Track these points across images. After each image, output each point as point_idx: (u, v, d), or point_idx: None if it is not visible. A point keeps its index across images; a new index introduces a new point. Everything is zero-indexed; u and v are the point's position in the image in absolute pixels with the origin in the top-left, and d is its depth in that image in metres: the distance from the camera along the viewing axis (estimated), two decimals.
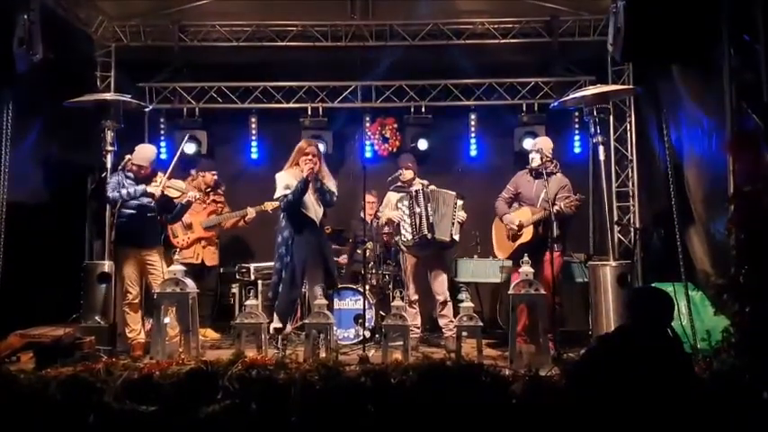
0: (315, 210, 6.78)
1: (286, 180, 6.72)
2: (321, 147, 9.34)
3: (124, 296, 6.92)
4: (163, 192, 6.91)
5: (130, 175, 6.96)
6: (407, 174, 7.49)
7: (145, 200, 6.88)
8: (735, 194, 5.58)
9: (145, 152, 7.10)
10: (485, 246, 8.18)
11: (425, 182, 7.48)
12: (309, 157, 6.69)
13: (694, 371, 4.65)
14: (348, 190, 9.05)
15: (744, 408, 4.63)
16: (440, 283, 7.33)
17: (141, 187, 6.84)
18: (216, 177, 8.56)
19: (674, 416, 3.98)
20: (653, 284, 6.37)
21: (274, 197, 6.81)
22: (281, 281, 6.71)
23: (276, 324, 6.74)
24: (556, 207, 6.76)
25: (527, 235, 7.02)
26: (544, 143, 7.27)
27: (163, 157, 8.89)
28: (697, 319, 6.18)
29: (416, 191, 7.31)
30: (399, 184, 7.55)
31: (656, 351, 4.13)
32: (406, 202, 7.31)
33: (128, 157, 7.01)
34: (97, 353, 6.18)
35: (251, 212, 8.23)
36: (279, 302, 6.73)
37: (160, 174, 7.04)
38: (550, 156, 7.15)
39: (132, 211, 6.84)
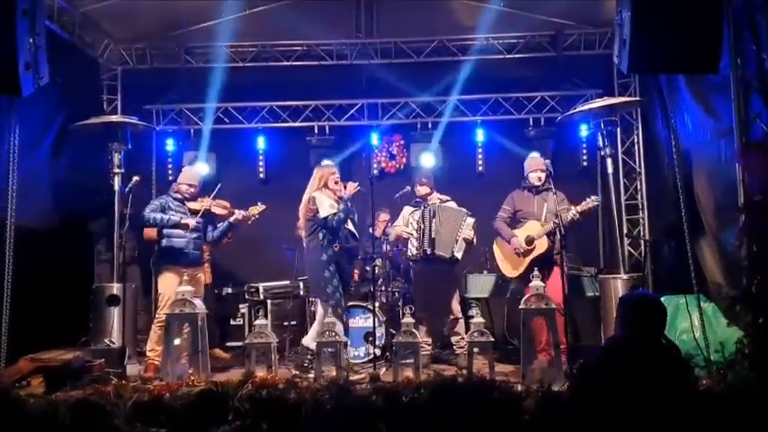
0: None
1: (328, 200, 6.95)
2: None
3: (156, 317, 6.96)
4: (209, 209, 7.15)
5: (178, 196, 7.13)
6: (422, 189, 7.58)
7: (192, 220, 7.02)
8: (745, 204, 5.55)
9: (192, 173, 7.35)
10: (494, 261, 8.13)
11: (443, 197, 7.52)
12: (337, 176, 7.15)
13: (693, 379, 4.52)
14: (356, 207, 9.07)
15: (759, 420, 4.58)
16: (450, 301, 7.32)
17: (176, 219, 6.99)
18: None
19: (676, 427, 3.87)
20: (653, 293, 6.31)
21: (321, 216, 6.89)
22: (342, 297, 6.89)
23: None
24: (571, 213, 6.74)
25: (541, 247, 6.96)
26: (545, 160, 7.27)
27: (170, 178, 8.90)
28: (710, 331, 6.11)
29: (425, 206, 7.35)
30: (417, 198, 7.64)
31: (652, 361, 3.97)
32: (417, 216, 7.39)
33: (135, 178, 7.00)
34: (107, 376, 6.14)
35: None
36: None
37: (206, 199, 7.27)
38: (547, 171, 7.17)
39: (179, 231, 6.95)
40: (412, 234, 7.41)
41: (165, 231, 6.98)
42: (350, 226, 7.07)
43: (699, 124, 7.10)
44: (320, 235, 6.94)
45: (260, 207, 7.81)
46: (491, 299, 8.44)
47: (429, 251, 7.28)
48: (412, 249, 7.43)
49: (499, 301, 8.42)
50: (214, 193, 7.32)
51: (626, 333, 4.15)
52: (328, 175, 7.14)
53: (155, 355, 6.89)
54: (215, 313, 8.49)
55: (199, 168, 7.43)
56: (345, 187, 7.02)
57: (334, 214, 6.85)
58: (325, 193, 7.01)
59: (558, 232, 6.75)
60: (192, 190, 7.20)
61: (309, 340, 6.87)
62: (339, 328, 6.43)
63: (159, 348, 6.88)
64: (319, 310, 6.98)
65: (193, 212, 7.13)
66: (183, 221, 7.00)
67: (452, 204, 7.53)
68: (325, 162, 7.74)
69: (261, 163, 9.90)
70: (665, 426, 3.81)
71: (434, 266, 7.38)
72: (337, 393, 5.03)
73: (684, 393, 3.95)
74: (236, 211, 7.41)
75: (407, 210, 7.61)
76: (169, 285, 6.90)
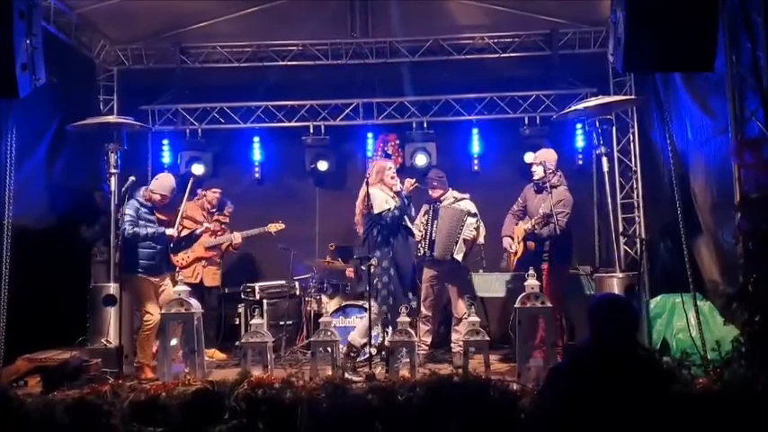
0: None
1: (383, 196, 6.88)
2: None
3: (143, 323, 6.90)
4: (179, 232, 7.18)
5: (148, 204, 7.03)
6: (434, 193, 7.64)
7: (173, 231, 7.06)
8: (741, 202, 5.55)
9: (166, 182, 7.21)
10: (490, 260, 8.15)
11: (459, 195, 7.56)
12: (394, 170, 7.07)
13: (670, 384, 4.31)
14: (352, 207, 9.09)
15: (757, 419, 4.59)
16: (456, 301, 7.33)
17: (161, 230, 6.96)
18: (219, 196, 8.49)
19: None
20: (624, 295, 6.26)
21: (375, 212, 6.83)
22: (390, 294, 6.76)
23: (365, 339, 6.80)
24: (529, 225, 6.94)
25: (518, 250, 7.13)
26: (547, 155, 7.29)
27: None
28: (706, 329, 6.13)
29: (430, 207, 7.39)
30: (431, 199, 7.69)
31: (620, 368, 3.64)
32: (426, 217, 7.47)
33: (131, 178, 7.00)
34: (104, 375, 6.13)
35: (236, 238, 8.29)
36: (392, 315, 6.73)
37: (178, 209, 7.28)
38: (553, 168, 7.16)
39: (150, 242, 6.92)
40: (421, 235, 7.44)
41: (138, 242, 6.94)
42: (407, 222, 6.98)
43: (696, 122, 7.11)
44: (374, 231, 6.90)
45: (279, 225, 7.95)
46: (486, 298, 8.44)
47: (429, 253, 7.31)
48: (420, 250, 7.46)
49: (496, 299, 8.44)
50: (187, 191, 7.31)
51: (592, 338, 3.82)
52: (385, 170, 7.05)
53: (149, 360, 6.85)
54: (216, 314, 8.53)
55: (170, 177, 7.35)
56: (403, 183, 6.95)
57: (389, 210, 6.78)
58: (381, 189, 6.95)
59: (537, 237, 6.98)
60: (165, 201, 7.13)
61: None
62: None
63: (151, 352, 6.90)
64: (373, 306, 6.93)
65: (161, 223, 7.10)
66: (168, 233, 6.99)
67: (465, 203, 7.52)
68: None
69: (256, 163, 9.90)
70: None
71: (440, 267, 7.41)
72: (333, 393, 5.03)
73: (661, 400, 3.68)
74: (205, 224, 7.58)
75: (423, 208, 7.67)
76: (145, 293, 6.89)
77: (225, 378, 5.33)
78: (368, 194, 6.86)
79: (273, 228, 8.15)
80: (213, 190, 8.45)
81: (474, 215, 7.36)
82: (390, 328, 6.85)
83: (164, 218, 7.17)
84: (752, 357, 5.07)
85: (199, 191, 8.15)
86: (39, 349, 6.69)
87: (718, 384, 4.96)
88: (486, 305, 8.57)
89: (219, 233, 8.43)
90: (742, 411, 4.63)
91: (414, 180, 6.98)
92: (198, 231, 7.42)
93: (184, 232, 7.56)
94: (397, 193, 6.90)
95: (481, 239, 7.47)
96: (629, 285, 6.73)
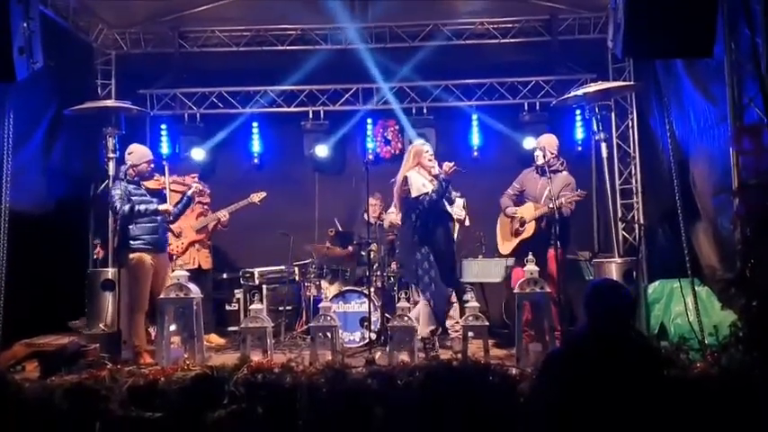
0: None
1: (421, 179, 6.82)
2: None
3: (142, 304, 6.77)
4: (168, 188, 7.01)
5: (135, 179, 6.90)
6: None
7: (169, 206, 6.89)
8: (739, 188, 5.55)
9: (142, 150, 7.08)
10: (489, 246, 8.16)
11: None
12: (431, 153, 6.99)
13: (663, 371, 4.31)
14: (351, 192, 9.09)
15: (754, 403, 4.61)
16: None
17: (154, 206, 6.79)
18: (196, 180, 8.32)
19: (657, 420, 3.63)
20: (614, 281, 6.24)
21: (412, 196, 6.78)
22: (432, 281, 6.72)
23: (432, 326, 6.78)
24: (556, 203, 6.77)
25: (529, 231, 7.06)
26: (548, 140, 7.28)
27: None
28: (704, 314, 6.14)
29: None
30: None
31: (626, 354, 3.65)
32: None
33: (129, 163, 6.95)
34: (102, 360, 6.12)
35: (223, 215, 8.20)
36: (436, 302, 6.73)
37: (161, 178, 7.10)
38: (555, 153, 7.17)
39: (150, 217, 6.81)
40: None
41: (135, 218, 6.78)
42: (447, 207, 6.91)
43: (697, 109, 7.09)
44: (413, 216, 6.84)
45: (261, 194, 7.94)
46: (486, 283, 8.45)
47: None
48: None
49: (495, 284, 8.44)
50: (166, 172, 7.13)
51: (590, 324, 3.80)
52: (422, 153, 6.99)
53: (144, 344, 6.82)
54: (212, 298, 8.51)
55: (143, 147, 7.23)
56: (442, 166, 6.87)
57: (426, 194, 6.73)
58: (419, 172, 6.90)
59: (548, 219, 6.82)
60: (150, 167, 7.00)
61: (422, 330, 6.67)
62: (414, 312, 6.34)
63: (143, 335, 6.84)
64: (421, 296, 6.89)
65: (152, 193, 6.97)
66: (161, 209, 6.81)
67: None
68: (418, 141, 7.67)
69: (255, 148, 9.90)
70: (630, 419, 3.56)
71: None
72: (333, 378, 5.05)
73: (658, 385, 3.70)
74: (194, 184, 7.44)
75: None
76: (145, 273, 6.78)
77: (224, 363, 5.34)
78: (405, 179, 6.84)
79: (256, 197, 8.09)
80: (192, 176, 8.36)
81: (461, 197, 7.35)
82: (434, 316, 6.81)
83: (153, 186, 7.05)
84: (749, 342, 5.08)
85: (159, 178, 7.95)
86: (36, 334, 6.69)
87: (715, 369, 4.99)
88: (485, 290, 8.58)
89: (205, 213, 8.43)
90: (739, 396, 4.66)
91: (452, 163, 6.83)
92: (189, 192, 7.29)
93: (176, 199, 7.37)
94: (436, 177, 6.82)
95: (467, 222, 7.46)
96: (627, 271, 6.75)
